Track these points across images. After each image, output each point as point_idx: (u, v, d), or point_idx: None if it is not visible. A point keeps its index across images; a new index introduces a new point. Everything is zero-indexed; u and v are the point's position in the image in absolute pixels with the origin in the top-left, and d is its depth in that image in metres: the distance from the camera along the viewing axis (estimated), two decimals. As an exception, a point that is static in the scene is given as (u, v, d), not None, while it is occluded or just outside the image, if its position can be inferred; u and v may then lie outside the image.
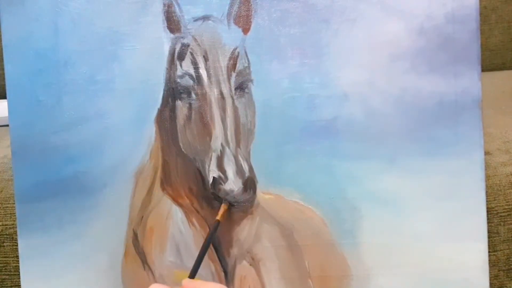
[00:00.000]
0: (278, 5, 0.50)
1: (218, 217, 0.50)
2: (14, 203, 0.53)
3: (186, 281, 0.45)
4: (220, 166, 0.50)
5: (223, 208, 0.50)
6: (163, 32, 0.51)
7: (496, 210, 0.54)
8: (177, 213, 0.52)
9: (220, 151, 0.50)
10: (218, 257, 0.52)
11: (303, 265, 0.51)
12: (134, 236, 0.52)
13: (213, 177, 0.50)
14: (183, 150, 0.51)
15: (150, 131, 0.52)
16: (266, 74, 0.51)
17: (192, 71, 0.51)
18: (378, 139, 0.50)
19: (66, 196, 0.52)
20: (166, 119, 0.51)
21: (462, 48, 0.50)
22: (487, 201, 0.51)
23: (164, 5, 0.51)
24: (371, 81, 0.50)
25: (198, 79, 0.51)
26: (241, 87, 0.51)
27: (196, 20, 0.51)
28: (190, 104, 0.51)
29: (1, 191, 0.58)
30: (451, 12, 0.50)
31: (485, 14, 0.95)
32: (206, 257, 0.52)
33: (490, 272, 0.51)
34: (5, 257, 0.56)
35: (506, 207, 0.54)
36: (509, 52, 0.97)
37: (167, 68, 0.51)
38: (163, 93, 0.51)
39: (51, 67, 0.52)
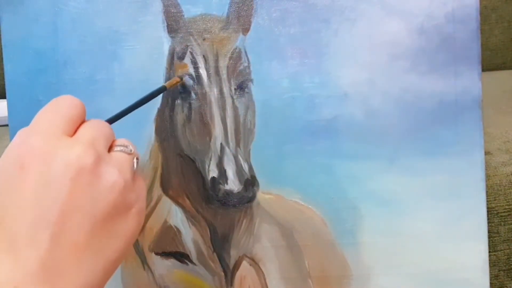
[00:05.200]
0: (278, 4, 0.50)
1: (166, 84, 0.49)
2: (13, 203, 0.53)
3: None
4: (220, 166, 0.50)
5: (175, 80, 0.49)
6: (163, 31, 0.51)
7: (496, 210, 0.54)
8: (177, 213, 0.52)
9: (220, 151, 0.50)
10: (218, 258, 0.52)
11: (303, 265, 0.51)
12: (134, 236, 0.52)
13: (213, 177, 0.50)
14: (183, 150, 0.51)
15: (150, 131, 0.52)
16: (266, 73, 0.51)
17: (192, 71, 0.51)
18: (378, 139, 0.50)
19: (66, 196, 0.52)
20: (165, 119, 0.51)
21: (462, 48, 0.50)
22: (487, 201, 0.51)
23: (164, 4, 0.51)
24: (371, 81, 0.50)
25: (198, 78, 0.51)
26: (241, 87, 0.51)
27: (196, 19, 0.51)
28: (190, 104, 0.51)
29: (1, 191, 0.58)
30: (451, 11, 0.50)
31: (486, 14, 0.95)
32: (205, 257, 0.52)
33: (490, 272, 0.51)
34: (4, 257, 0.56)
35: (507, 207, 0.54)
36: (509, 51, 0.97)
37: (166, 68, 0.51)
38: (163, 93, 0.51)
39: (50, 67, 0.52)
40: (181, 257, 0.52)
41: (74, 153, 0.34)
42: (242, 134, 0.50)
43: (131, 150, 0.38)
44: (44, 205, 0.33)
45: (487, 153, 0.56)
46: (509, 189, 0.55)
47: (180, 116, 0.51)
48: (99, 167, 0.35)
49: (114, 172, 0.35)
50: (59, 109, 0.37)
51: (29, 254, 0.32)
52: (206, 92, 0.51)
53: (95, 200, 0.34)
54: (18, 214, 0.33)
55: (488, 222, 0.51)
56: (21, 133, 0.36)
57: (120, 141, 0.39)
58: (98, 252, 0.34)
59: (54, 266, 0.32)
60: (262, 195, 0.51)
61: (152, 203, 0.52)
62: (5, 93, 0.52)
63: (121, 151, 0.38)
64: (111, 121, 0.41)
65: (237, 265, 0.52)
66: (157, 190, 0.52)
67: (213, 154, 0.50)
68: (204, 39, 0.51)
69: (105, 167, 0.35)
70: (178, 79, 0.50)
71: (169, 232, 0.52)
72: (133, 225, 0.36)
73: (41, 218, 0.33)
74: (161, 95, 0.51)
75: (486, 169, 0.51)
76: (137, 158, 0.39)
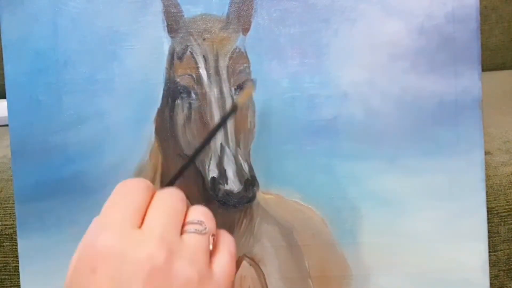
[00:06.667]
0: (278, 4, 0.50)
1: (236, 100, 0.47)
2: (13, 203, 0.53)
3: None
4: (220, 166, 0.50)
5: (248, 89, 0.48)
6: (163, 31, 0.51)
7: (496, 210, 0.54)
8: (177, 213, 0.52)
9: (220, 151, 0.50)
10: (218, 257, 0.52)
11: (303, 265, 0.51)
12: (134, 236, 0.52)
13: (213, 177, 0.50)
14: (183, 150, 0.51)
15: (150, 131, 0.52)
16: (266, 74, 0.51)
17: (192, 71, 0.51)
18: (378, 139, 0.50)
19: (66, 196, 0.52)
20: (165, 119, 0.51)
21: (462, 48, 0.50)
22: (487, 201, 0.51)
23: (164, 4, 0.51)
24: (371, 81, 0.50)
25: (198, 78, 0.51)
26: (241, 87, 0.51)
27: (196, 19, 0.51)
28: (190, 103, 0.51)
29: (1, 191, 0.58)
30: (451, 11, 0.50)
31: (485, 14, 0.95)
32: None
33: (490, 272, 0.51)
34: (4, 257, 0.56)
35: (507, 207, 0.54)
36: (509, 51, 0.97)
37: (166, 68, 0.51)
38: (163, 93, 0.51)
39: (50, 67, 0.52)
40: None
41: (144, 252, 0.33)
42: (242, 134, 0.50)
43: (205, 229, 0.36)
44: None
45: (487, 153, 0.56)
46: (509, 189, 0.55)
47: (180, 116, 0.51)
48: (171, 263, 0.33)
49: (186, 267, 0.33)
50: (127, 197, 0.36)
51: None
52: (206, 92, 0.51)
53: None
54: None
55: (488, 222, 0.51)
56: (93, 227, 0.35)
57: (193, 216, 0.37)
58: None
59: None
60: (262, 195, 0.51)
61: (152, 203, 0.52)
62: (5, 93, 0.52)
63: (194, 232, 0.36)
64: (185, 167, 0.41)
65: (237, 265, 0.52)
66: (157, 190, 0.52)
67: (213, 154, 0.50)
68: (204, 39, 0.51)
69: (177, 262, 0.33)
70: (250, 90, 0.49)
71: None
72: None
73: None
74: (160, 95, 0.51)
75: (486, 169, 0.51)
76: (213, 235, 0.37)
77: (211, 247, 0.36)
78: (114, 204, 0.36)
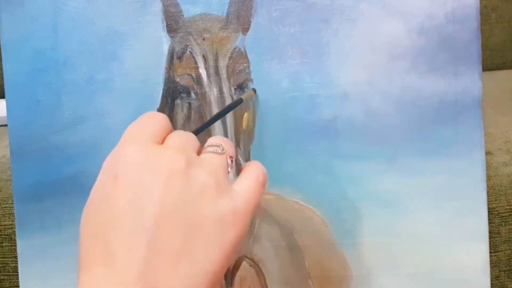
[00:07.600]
0: (278, 4, 0.50)
1: (242, 96, 0.48)
2: (12, 203, 0.53)
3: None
4: (220, 166, 0.50)
5: (251, 93, 0.49)
6: (163, 31, 0.51)
7: (497, 211, 0.54)
8: (177, 213, 0.52)
9: (220, 151, 0.50)
10: (218, 258, 0.52)
11: (303, 265, 0.51)
12: (133, 236, 0.52)
13: (213, 177, 0.50)
14: (182, 150, 0.51)
15: (150, 131, 0.51)
16: (266, 73, 0.51)
17: (191, 71, 0.51)
18: (379, 139, 0.50)
19: (66, 196, 0.52)
20: (165, 119, 0.51)
21: (462, 48, 0.50)
22: (488, 201, 0.51)
23: (163, 4, 0.51)
24: (372, 81, 0.50)
25: (197, 78, 0.51)
26: (241, 87, 0.51)
27: (195, 19, 0.51)
28: (189, 103, 0.51)
29: (0, 191, 0.58)
30: (451, 11, 0.50)
31: (486, 14, 0.95)
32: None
33: (491, 273, 0.51)
34: (3, 257, 0.56)
35: (507, 207, 0.54)
36: (509, 51, 0.97)
37: (166, 68, 0.51)
38: (163, 93, 0.51)
39: (50, 67, 0.52)
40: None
41: (165, 157, 0.34)
42: (242, 134, 0.50)
43: (223, 149, 0.37)
44: (138, 211, 0.32)
45: (487, 153, 0.56)
46: (510, 189, 0.55)
47: (179, 116, 0.51)
48: (190, 170, 0.34)
49: (205, 174, 0.34)
50: (145, 122, 0.38)
51: (127, 264, 0.31)
52: (205, 92, 0.51)
53: (187, 204, 0.33)
54: (113, 224, 0.32)
55: (489, 223, 0.51)
56: (117, 145, 0.37)
57: (212, 140, 0.38)
58: (194, 261, 0.32)
59: (152, 274, 0.31)
60: (262, 195, 0.51)
61: (152, 203, 0.52)
62: (4, 93, 0.52)
63: (212, 152, 0.37)
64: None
65: (237, 266, 0.52)
66: (157, 190, 0.52)
67: (213, 154, 0.50)
68: (203, 39, 0.51)
69: (195, 169, 0.34)
70: (253, 92, 0.50)
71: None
72: (229, 234, 0.34)
73: (136, 225, 0.32)
74: (160, 95, 0.51)
75: (487, 169, 0.51)
76: (230, 157, 0.38)
77: (229, 168, 0.37)
78: (132, 127, 0.37)
